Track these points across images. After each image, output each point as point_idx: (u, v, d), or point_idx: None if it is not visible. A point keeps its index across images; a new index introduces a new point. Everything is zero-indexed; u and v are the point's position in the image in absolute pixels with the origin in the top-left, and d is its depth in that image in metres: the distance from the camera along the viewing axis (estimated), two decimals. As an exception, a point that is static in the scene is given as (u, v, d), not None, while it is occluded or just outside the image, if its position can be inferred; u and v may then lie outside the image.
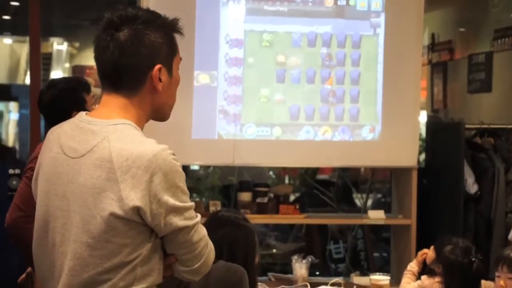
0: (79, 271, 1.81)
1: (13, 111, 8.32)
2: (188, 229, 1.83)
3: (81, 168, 1.82)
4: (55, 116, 3.12)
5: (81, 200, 1.82)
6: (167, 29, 1.90)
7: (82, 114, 1.92)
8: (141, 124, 1.89)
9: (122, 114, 1.86)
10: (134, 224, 1.78)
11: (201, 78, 4.42)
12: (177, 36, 1.96)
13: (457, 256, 3.46)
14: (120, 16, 1.86)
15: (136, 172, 1.75)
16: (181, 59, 1.96)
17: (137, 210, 1.75)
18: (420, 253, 3.84)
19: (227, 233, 2.90)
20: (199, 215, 1.87)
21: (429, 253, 3.66)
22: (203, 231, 1.89)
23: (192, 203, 1.86)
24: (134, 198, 1.75)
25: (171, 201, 1.78)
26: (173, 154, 1.82)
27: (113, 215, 1.76)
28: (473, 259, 3.46)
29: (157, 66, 1.86)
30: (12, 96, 7.99)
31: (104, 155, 1.79)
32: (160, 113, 1.95)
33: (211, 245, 1.92)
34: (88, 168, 1.81)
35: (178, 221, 1.80)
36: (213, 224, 2.95)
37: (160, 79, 1.87)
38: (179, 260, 1.87)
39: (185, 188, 1.83)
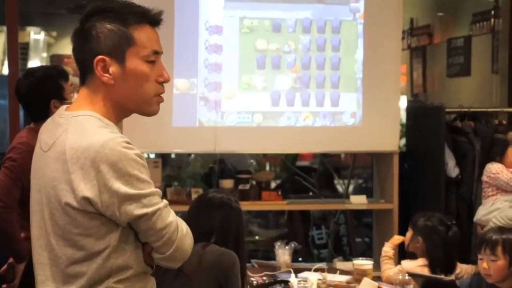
0: (57, 263, 1.84)
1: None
2: (147, 216, 1.81)
3: (47, 162, 1.86)
4: (33, 105, 3.11)
5: (48, 193, 1.85)
6: (122, 20, 1.87)
7: (62, 107, 1.95)
8: (110, 116, 1.89)
9: (88, 106, 1.88)
10: (92, 215, 1.78)
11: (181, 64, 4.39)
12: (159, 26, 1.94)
13: (433, 222, 3.61)
14: (88, 11, 1.89)
15: (84, 163, 1.77)
16: (158, 52, 1.91)
17: (88, 200, 1.77)
18: (395, 237, 3.91)
19: (220, 214, 2.91)
20: (163, 201, 1.85)
21: (406, 235, 3.72)
22: (169, 217, 1.85)
23: (154, 190, 1.83)
24: (84, 188, 1.77)
25: (123, 189, 1.77)
26: (127, 143, 1.81)
27: (68, 205, 1.79)
28: (448, 224, 3.61)
29: (97, 58, 1.85)
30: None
31: (61, 147, 1.82)
32: (133, 106, 1.92)
33: (184, 230, 1.89)
34: (51, 161, 1.84)
35: (135, 209, 1.79)
36: (204, 205, 2.98)
37: (107, 71, 1.86)
38: (154, 248, 1.86)
39: (142, 176, 1.81)
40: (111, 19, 1.87)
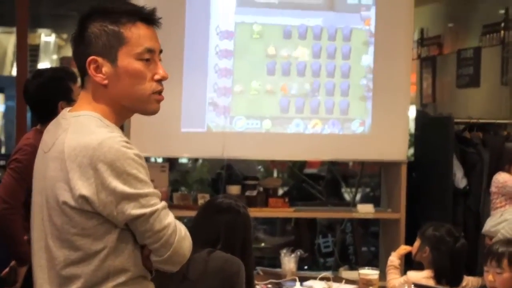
0: (53, 265, 1.83)
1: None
2: (145, 217, 1.79)
3: (47, 162, 1.86)
4: (40, 106, 3.09)
5: (47, 193, 1.85)
6: (113, 20, 1.87)
7: (66, 109, 1.95)
8: (111, 116, 1.89)
9: (88, 107, 1.88)
10: (89, 214, 1.78)
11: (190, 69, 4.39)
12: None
13: (441, 233, 3.58)
14: (82, 14, 1.91)
15: (82, 161, 1.77)
16: (152, 50, 1.90)
17: (85, 199, 1.76)
18: (401, 247, 3.90)
19: (227, 219, 2.89)
20: (162, 203, 1.84)
21: (414, 244, 3.70)
22: (167, 218, 1.84)
23: (152, 190, 1.82)
24: (81, 187, 1.76)
25: (121, 187, 1.76)
26: (126, 142, 1.81)
27: (65, 204, 1.78)
28: (457, 236, 3.58)
29: (89, 59, 1.86)
30: (-1, 87, 7.95)
31: (60, 146, 1.82)
32: (131, 105, 1.92)
33: (183, 233, 1.87)
34: (50, 161, 1.84)
35: (132, 208, 1.78)
36: (212, 210, 2.97)
37: (101, 71, 1.86)
38: (152, 250, 1.84)
39: (141, 175, 1.80)
40: (102, 19, 1.86)
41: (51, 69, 3.77)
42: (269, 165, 6.09)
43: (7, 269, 3.11)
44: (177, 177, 5.65)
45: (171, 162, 5.26)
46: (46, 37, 8.01)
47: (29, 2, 4.73)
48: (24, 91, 3.23)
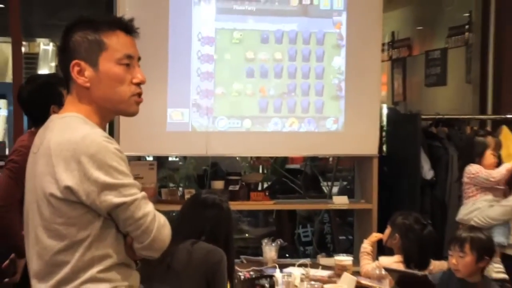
0: (42, 255, 1.85)
1: (2, 108, 8.24)
2: (125, 205, 1.81)
3: (37, 161, 1.88)
4: (34, 109, 3.10)
5: (36, 188, 1.86)
6: (94, 28, 1.90)
7: (54, 114, 1.98)
8: (93, 117, 1.91)
9: (73, 109, 1.91)
10: (74, 204, 1.80)
11: (175, 73, 4.38)
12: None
13: (410, 221, 3.61)
14: (66, 26, 1.94)
15: (66, 155, 1.79)
16: (131, 56, 1.92)
17: (70, 189, 1.78)
18: (373, 234, 3.92)
19: (212, 214, 2.92)
20: (142, 193, 1.86)
21: (385, 232, 3.73)
22: (147, 207, 1.86)
23: (132, 181, 1.85)
24: (66, 178, 1.78)
25: (102, 177, 1.78)
26: (107, 137, 1.84)
27: (52, 196, 1.80)
28: (424, 223, 3.61)
29: (72, 62, 1.89)
30: (0, 94, 7.90)
31: (47, 144, 1.85)
32: (112, 107, 1.94)
33: (162, 221, 1.89)
34: (39, 159, 1.87)
35: (114, 197, 1.80)
36: (197, 205, 2.99)
37: (83, 75, 1.89)
38: (133, 238, 1.86)
39: (121, 167, 1.82)
40: (85, 28, 1.90)
41: (44, 75, 3.78)
42: (255, 161, 6.10)
43: (7, 262, 3.10)
44: (166, 174, 5.65)
45: (160, 161, 5.27)
46: (45, 46, 7.99)
47: (22, 12, 4.71)
48: (18, 96, 3.24)
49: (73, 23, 1.92)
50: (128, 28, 1.93)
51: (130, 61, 1.92)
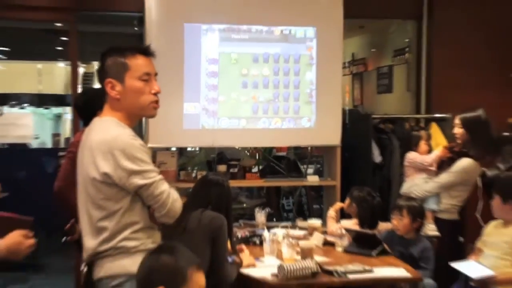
0: (90, 221, 1.87)
1: (69, 113, 8.39)
2: (147, 185, 1.83)
3: (83, 153, 1.90)
4: (85, 114, 3.11)
5: (84, 173, 1.89)
6: (120, 54, 1.91)
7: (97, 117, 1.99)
8: (126, 120, 1.92)
9: (109, 114, 1.93)
10: (110, 185, 1.82)
11: (189, 86, 4.38)
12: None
13: (364, 194, 3.62)
14: (102, 53, 1.94)
15: (104, 149, 1.81)
16: (149, 73, 1.91)
17: (107, 175, 1.80)
18: (337, 204, 3.94)
19: (216, 190, 2.89)
20: (159, 176, 1.87)
21: (345, 202, 3.76)
22: (163, 186, 1.87)
23: (152, 168, 1.85)
24: (104, 166, 1.81)
25: (130, 166, 1.80)
26: (133, 136, 1.84)
27: (94, 179, 1.83)
28: (374, 196, 3.63)
29: (106, 80, 1.91)
30: (67, 103, 8.00)
31: (90, 141, 1.87)
32: (137, 112, 1.94)
33: (175, 196, 1.91)
34: (85, 152, 1.88)
35: (139, 180, 1.82)
36: (204, 184, 2.97)
37: (115, 89, 1.89)
38: (154, 209, 1.89)
39: (145, 158, 1.83)
40: (114, 54, 1.92)
41: (93, 88, 3.79)
42: (252, 151, 6.09)
43: (68, 224, 3.14)
44: (185, 161, 5.65)
45: (180, 151, 5.26)
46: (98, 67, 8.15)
47: (82, 43, 4.73)
48: (74, 104, 3.27)
49: (106, 51, 1.92)
50: (146, 51, 1.94)
51: (148, 77, 1.93)
